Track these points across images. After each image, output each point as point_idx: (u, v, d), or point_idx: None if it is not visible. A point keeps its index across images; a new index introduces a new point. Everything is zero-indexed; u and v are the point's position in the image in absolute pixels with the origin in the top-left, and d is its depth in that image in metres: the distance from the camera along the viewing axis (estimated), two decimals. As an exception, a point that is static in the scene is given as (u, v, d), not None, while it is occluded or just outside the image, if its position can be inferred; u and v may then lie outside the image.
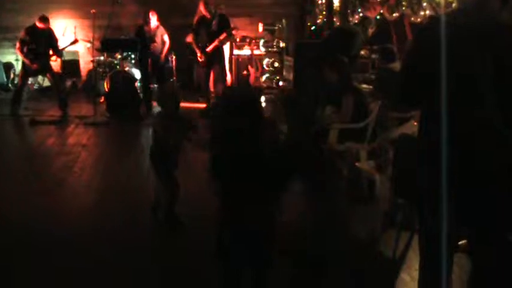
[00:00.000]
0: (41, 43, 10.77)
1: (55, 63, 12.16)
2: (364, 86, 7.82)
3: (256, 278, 3.33)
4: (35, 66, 10.78)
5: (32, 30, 10.81)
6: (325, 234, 3.77)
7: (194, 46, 10.92)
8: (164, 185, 5.26)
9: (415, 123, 5.17)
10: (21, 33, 10.87)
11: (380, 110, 5.97)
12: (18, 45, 10.84)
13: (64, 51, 13.00)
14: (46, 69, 11.06)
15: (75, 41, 11.12)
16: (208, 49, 10.67)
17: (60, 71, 13.33)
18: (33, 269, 4.46)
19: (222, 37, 10.69)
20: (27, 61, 10.80)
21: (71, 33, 13.43)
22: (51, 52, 10.97)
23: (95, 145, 9.03)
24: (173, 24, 11.84)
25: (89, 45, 12.62)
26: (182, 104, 5.61)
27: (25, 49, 10.75)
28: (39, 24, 10.77)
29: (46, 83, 13.01)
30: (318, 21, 13.15)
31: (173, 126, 5.10)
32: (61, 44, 11.41)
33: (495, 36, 2.70)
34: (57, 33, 11.14)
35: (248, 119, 3.12)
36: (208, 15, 10.68)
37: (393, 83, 3.90)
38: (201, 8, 10.76)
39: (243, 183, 3.10)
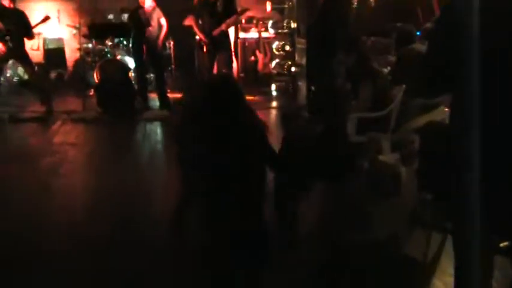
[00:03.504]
0: (7, 24, 10.52)
1: (37, 53, 12.15)
2: (386, 69, 7.78)
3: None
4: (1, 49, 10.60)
5: None
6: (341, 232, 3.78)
7: (196, 30, 10.84)
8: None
9: (446, 109, 5.13)
10: None
11: (404, 95, 5.94)
12: None
13: (47, 39, 13.04)
14: (17, 54, 10.82)
15: (45, 19, 10.92)
16: (214, 33, 10.60)
17: (42, 60, 13.36)
18: (15, 283, 4.46)
19: (231, 20, 10.64)
20: None
21: (54, 18, 13.45)
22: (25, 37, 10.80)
23: (84, 144, 9.07)
24: (170, 5, 11.79)
25: (74, 31, 12.62)
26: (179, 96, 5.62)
27: None
28: (5, 2, 10.56)
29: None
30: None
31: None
32: (41, 30, 11.37)
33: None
34: (38, 18, 11.04)
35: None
36: (212, -6, 10.66)
37: (417, 63, 3.87)
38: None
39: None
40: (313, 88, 7.66)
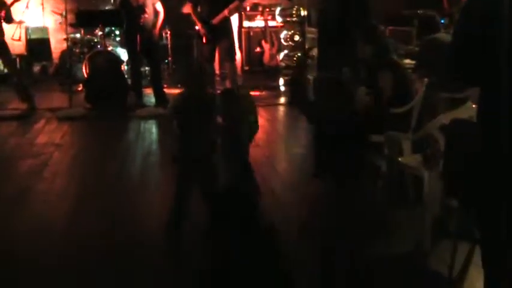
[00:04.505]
0: None
1: (19, 43, 12.10)
2: (407, 61, 7.75)
3: None
4: None
5: None
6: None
7: (195, 18, 10.84)
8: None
9: (474, 106, 5.09)
10: None
11: (427, 90, 5.90)
12: None
13: (30, 28, 13.00)
14: None
15: None
16: (214, 21, 10.58)
17: (25, 52, 13.32)
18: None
19: (233, 6, 10.60)
20: None
21: (37, 5, 13.43)
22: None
23: (71, 144, 9.05)
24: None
25: (60, 19, 12.60)
26: (177, 90, 5.63)
27: None
28: None
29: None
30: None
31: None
32: (23, 18, 11.29)
33: None
34: (20, 5, 11.01)
35: None
36: (212, -22, 10.62)
37: (441, 55, 3.84)
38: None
39: None
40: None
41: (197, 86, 5.23)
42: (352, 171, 4.18)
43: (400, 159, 5.70)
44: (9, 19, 10.76)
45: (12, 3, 10.68)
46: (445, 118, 5.31)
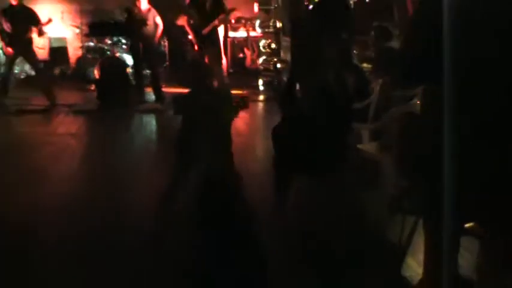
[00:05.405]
0: (17, 24, 10.32)
1: (42, 51, 11.99)
2: (365, 64, 7.72)
3: None
4: (9, 50, 10.48)
5: (6, 10, 10.39)
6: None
7: (188, 28, 10.77)
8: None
9: (418, 102, 5.07)
10: None
11: (382, 89, 5.88)
12: None
13: (52, 38, 12.91)
14: (26, 52, 10.67)
15: (49, 21, 10.76)
16: (204, 31, 10.51)
17: (47, 58, 13.22)
18: (16, 273, 4.10)
19: (220, 18, 10.55)
20: (2, 44, 10.57)
21: (58, 19, 13.30)
22: (34, 34, 10.60)
23: (85, 134, 9.05)
24: (164, 6, 11.67)
25: (77, 30, 12.48)
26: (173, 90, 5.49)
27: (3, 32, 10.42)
28: (13, 1, 10.34)
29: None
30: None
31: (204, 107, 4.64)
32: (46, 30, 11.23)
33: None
34: (43, 18, 10.87)
35: None
36: (201, -5, 10.54)
37: (394, 60, 3.81)
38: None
39: None
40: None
41: (206, 84, 4.89)
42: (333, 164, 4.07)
43: (359, 146, 5.67)
44: (41, 33, 10.82)
45: (47, 23, 10.70)
46: (396, 111, 5.30)
